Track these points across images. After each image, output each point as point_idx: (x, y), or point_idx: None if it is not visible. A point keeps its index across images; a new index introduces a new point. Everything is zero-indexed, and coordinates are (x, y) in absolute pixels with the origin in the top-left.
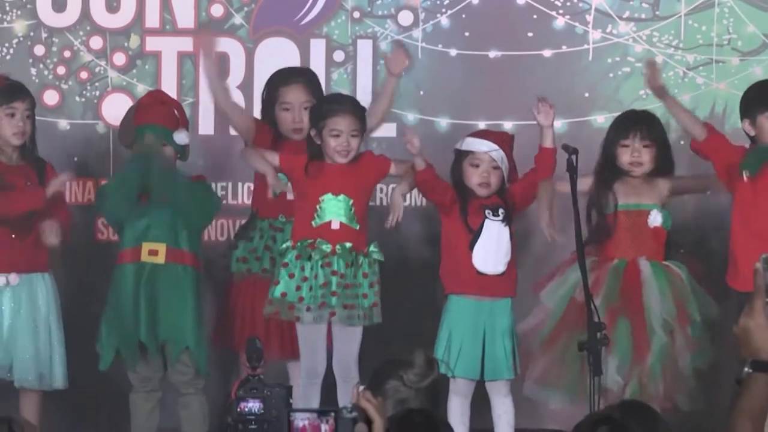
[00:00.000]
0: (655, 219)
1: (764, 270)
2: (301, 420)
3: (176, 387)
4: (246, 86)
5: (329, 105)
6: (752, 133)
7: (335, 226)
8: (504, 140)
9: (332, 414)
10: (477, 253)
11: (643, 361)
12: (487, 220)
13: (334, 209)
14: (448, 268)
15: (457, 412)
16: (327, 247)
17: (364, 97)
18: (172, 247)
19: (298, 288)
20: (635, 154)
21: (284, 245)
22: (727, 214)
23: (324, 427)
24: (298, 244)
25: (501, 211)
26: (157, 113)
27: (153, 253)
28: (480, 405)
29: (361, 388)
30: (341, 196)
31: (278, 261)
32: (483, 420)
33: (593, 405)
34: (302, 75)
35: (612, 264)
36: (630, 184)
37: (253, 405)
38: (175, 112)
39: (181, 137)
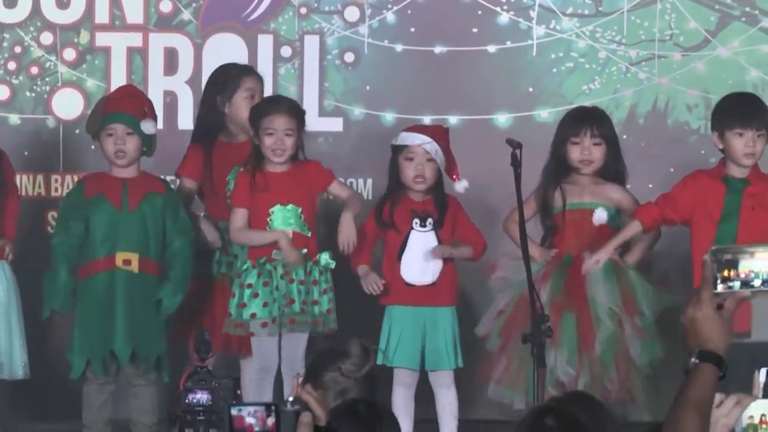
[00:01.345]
0: (600, 217)
1: (712, 262)
2: (244, 413)
3: (128, 378)
4: (194, 82)
5: (265, 105)
6: (720, 146)
7: (289, 236)
8: (439, 133)
9: (273, 408)
10: (404, 264)
11: (591, 350)
12: (413, 231)
13: (284, 219)
14: (385, 280)
15: (401, 402)
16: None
17: (310, 92)
18: (143, 257)
19: (266, 305)
20: (585, 152)
21: (244, 267)
22: None
23: (269, 420)
24: (257, 262)
25: (429, 221)
26: (126, 103)
27: (126, 263)
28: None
29: (300, 379)
30: (290, 206)
31: (236, 282)
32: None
33: (537, 397)
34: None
35: (559, 260)
36: (577, 183)
37: (201, 396)
38: (145, 108)
39: (147, 126)
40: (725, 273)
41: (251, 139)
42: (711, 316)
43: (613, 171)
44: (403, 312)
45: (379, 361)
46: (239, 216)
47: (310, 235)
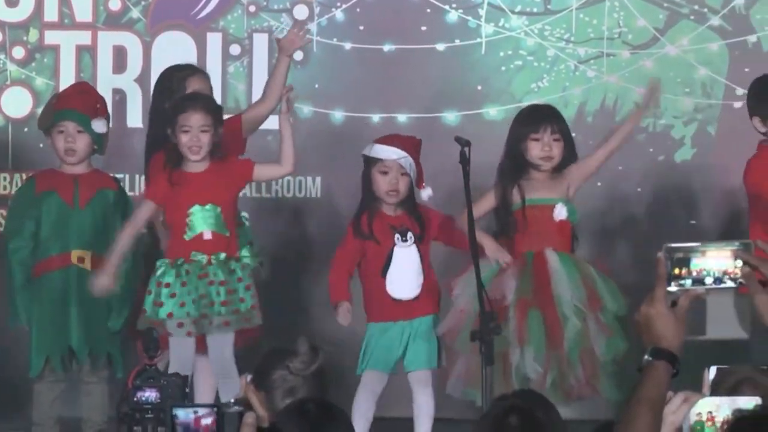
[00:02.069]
0: (560, 213)
1: (666, 259)
2: (186, 414)
3: (81, 376)
4: (143, 80)
5: (180, 103)
6: (763, 129)
7: (207, 236)
8: (412, 145)
9: (214, 409)
10: (390, 280)
11: (559, 348)
12: (396, 248)
13: (203, 220)
14: (366, 297)
15: (362, 405)
16: (203, 259)
17: (259, 90)
18: (97, 255)
19: (183, 305)
20: (546, 148)
21: (161, 267)
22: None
23: (206, 421)
24: (175, 263)
25: (410, 234)
26: (78, 100)
27: (80, 260)
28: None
29: (249, 377)
30: (209, 206)
31: (153, 279)
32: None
33: (485, 395)
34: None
35: (520, 257)
36: (535, 179)
37: (150, 394)
38: (97, 105)
39: (99, 125)
40: (677, 271)
41: (169, 137)
42: (665, 313)
43: (566, 167)
44: (386, 325)
45: (358, 372)
46: (145, 209)
47: (228, 234)
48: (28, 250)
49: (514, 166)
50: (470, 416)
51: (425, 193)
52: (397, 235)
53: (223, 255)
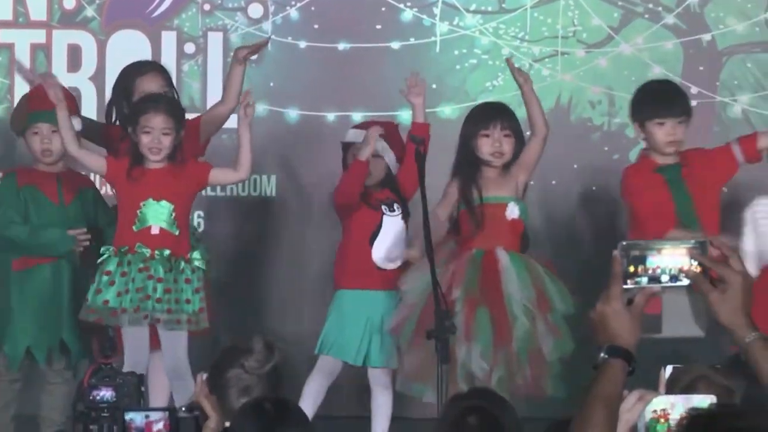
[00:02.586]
0: (513, 211)
1: (622, 257)
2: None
3: (44, 375)
4: (98, 78)
5: (143, 104)
6: (642, 136)
7: (155, 231)
8: (387, 130)
9: (167, 413)
10: (377, 249)
11: (507, 346)
12: (385, 216)
13: (154, 214)
14: (345, 265)
15: (313, 389)
16: (146, 252)
17: (214, 89)
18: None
19: (120, 294)
20: (496, 144)
21: (105, 253)
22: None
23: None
24: (120, 250)
25: (396, 205)
26: (51, 101)
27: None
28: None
29: (204, 377)
30: (162, 202)
31: (99, 268)
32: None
33: (441, 393)
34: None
35: (470, 254)
36: (487, 177)
37: (105, 393)
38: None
39: (73, 123)
40: (633, 269)
41: (130, 137)
42: (620, 311)
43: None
44: (355, 299)
45: (317, 351)
46: (95, 157)
47: (178, 233)
48: (26, 234)
49: (467, 163)
50: (427, 415)
51: None
52: (384, 206)
53: (167, 252)
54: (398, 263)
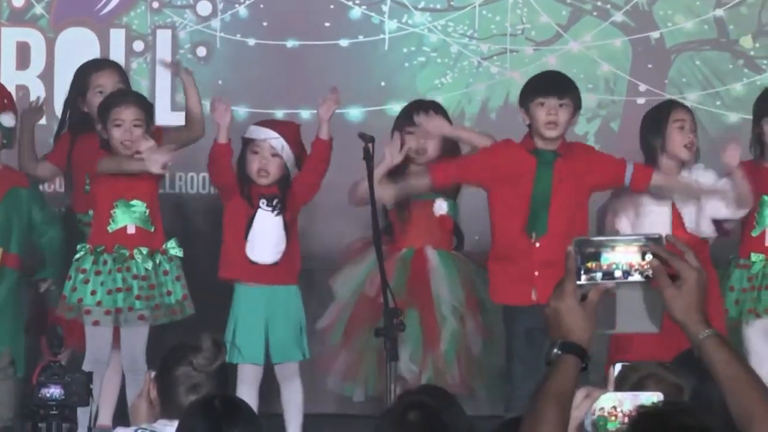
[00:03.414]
0: (440, 207)
1: (576, 253)
2: None
3: None
4: (47, 76)
5: (113, 98)
6: (527, 121)
7: (131, 230)
8: (288, 130)
9: None
10: (249, 242)
11: (436, 348)
12: (259, 210)
13: (127, 215)
14: (224, 255)
15: (246, 399)
16: (125, 252)
17: (163, 87)
18: (6, 252)
19: (93, 293)
20: (421, 141)
21: (80, 251)
22: None
23: None
24: (96, 249)
25: (275, 201)
26: None
27: None
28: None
29: (153, 374)
30: (134, 201)
31: (74, 265)
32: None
33: (389, 391)
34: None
35: (400, 253)
36: (414, 173)
37: (54, 390)
38: (4, 99)
39: (6, 119)
40: (588, 265)
41: (99, 133)
42: (574, 307)
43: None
44: (249, 295)
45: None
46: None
47: (153, 230)
48: None
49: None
50: (349, 411)
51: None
52: (262, 200)
53: (146, 249)
54: (274, 259)
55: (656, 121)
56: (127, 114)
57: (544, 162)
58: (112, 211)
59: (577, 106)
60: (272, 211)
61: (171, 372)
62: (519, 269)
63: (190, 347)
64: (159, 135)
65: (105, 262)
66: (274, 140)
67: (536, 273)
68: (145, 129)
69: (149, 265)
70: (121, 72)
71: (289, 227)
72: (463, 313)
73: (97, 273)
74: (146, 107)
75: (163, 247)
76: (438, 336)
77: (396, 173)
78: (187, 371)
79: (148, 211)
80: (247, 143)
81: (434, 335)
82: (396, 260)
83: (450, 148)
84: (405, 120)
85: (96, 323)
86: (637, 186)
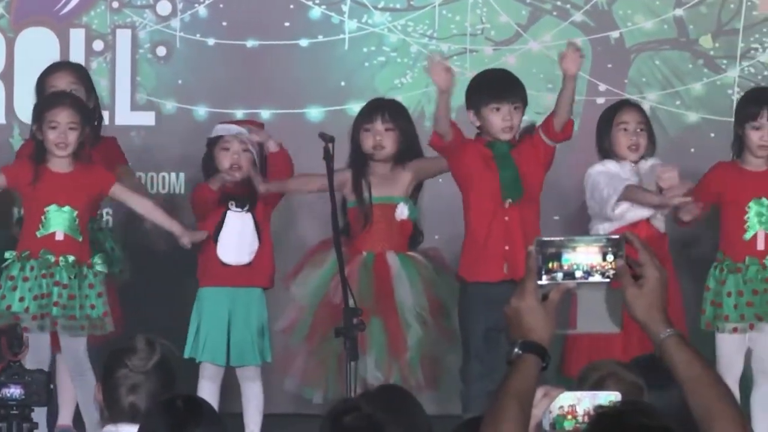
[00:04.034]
0: (402, 212)
1: (537, 253)
2: None
3: None
4: (7, 76)
5: (48, 99)
6: (477, 123)
7: (59, 237)
8: (254, 126)
9: None
10: (220, 244)
11: (401, 354)
12: (229, 212)
13: (58, 220)
14: (200, 261)
15: (205, 395)
16: (51, 258)
17: (122, 86)
18: None
19: (22, 299)
20: (377, 137)
21: (9, 258)
22: None
23: None
24: (22, 255)
25: (245, 201)
26: None
27: None
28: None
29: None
30: (66, 208)
31: (3, 273)
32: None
33: (349, 391)
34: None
35: (361, 257)
36: (376, 175)
37: (15, 390)
38: None
39: None
40: (548, 265)
41: (34, 135)
42: (535, 307)
43: (406, 159)
44: (214, 297)
45: (186, 354)
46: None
47: (81, 239)
48: None
49: (356, 158)
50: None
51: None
52: (231, 201)
53: (72, 258)
54: (245, 259)
55: (604, 123)
56: (63, 116)
57: (500, 152)
58: (43, 216)
59: (525, 104)
60: (242, 211)
61: (111, 376)
62: (491, 245)
63: (126, 349)
64: (110, 145)
65: (32, 268)
66: (244, 135)
67: (507, 247)
68: (80, 132)
69: (73, 274)
70: (78, 73)
71: (260, 228)
72: (426, 318)
73: (25, 279)
74: (82, 110)
75: (90, 260)
76: (403, 343)
77: (361, 171)
78: (125, 373)
79: (78, 220)
80: (215, 143)
81: (399, 342)
82: (358, 265)
83: (408, 144)
84: (364, 118)
85: (25, 330)
86: (551, 136)
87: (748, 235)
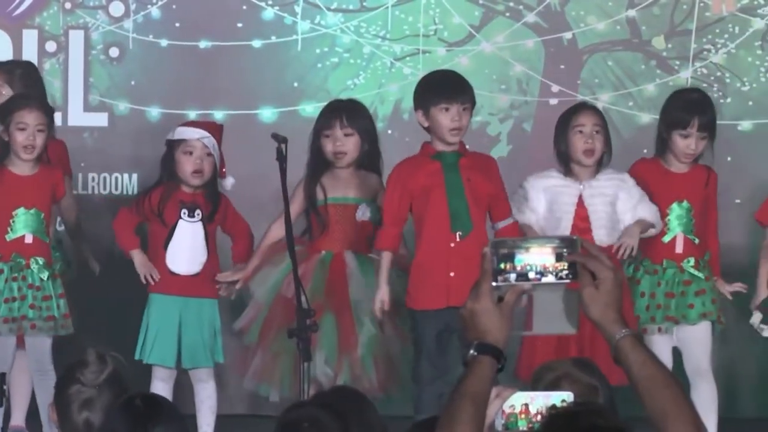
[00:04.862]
0: (364, 214)
1: (492, 255)
2: None
3: None
4: None
5: (17, 100)
6: (426, 124)
7: (28, 240)
8: (215, 129)
9: None
10: (169, 253)
11: (352, 352)
12: (181, 221)
13: (27, 223)
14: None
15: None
16: (21, 261)
17: (75, 87)
18: None
19: None
20: (338, 143)
21: None
22: None
23: None
24: None
25: (197, 212)
26: None
27: None
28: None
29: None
30: (33, 210)
31: None
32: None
33: (303, 392)
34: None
35: (319, 256)
36: (338, 177)
37: None
38: None
39: None
40: (503, 266)
41: (1, 142)
42: (490, 308)
43: (368, 162)
44: (164, 303)
45: (136, 356)
46: None
47: (48, 241)
48: None
49: (316, 162)
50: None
51: (228, 182)
52: (184, 210)
53: (42, 260)
54: (194, 270)
55: (560, 126)
56: (31, 118)
57: (449, 164)
58: (11, 220)
59: (474, 106)
60: (193, 221)
61: (63, 393)
62: (437, 273)
63: (77, 364)
64: (62, 148)
65: (2, 271)
66: (207, 139)
67: (452, 274)
68: (47, 134)
69: (45, 275)
70: (11, 73)
71: (210, 238)
72: (382, 319)
73: None
74: (49, 112)
75: (53, 261)
76: (354, 340)
77: (317, 175)
78: (78, 388)
79: (45, 222)
80: (177, 144)
81: (350, 339)
82: (315, 263)
83: (370, 150)
84: (323, 123)
85: (1, 334)
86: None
87: (667, 238)
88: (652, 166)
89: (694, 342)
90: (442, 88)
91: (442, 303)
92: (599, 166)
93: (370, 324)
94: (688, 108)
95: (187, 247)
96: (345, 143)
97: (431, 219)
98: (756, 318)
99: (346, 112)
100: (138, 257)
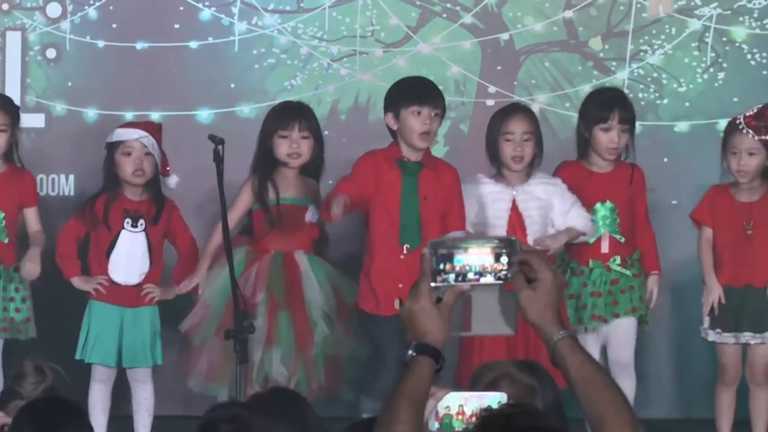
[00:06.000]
0: (312, 215)
1: (431, 255)
2: None
3: None
4: None
5: None
6: (395, 126)
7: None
8: (153, 128)
9: None
10: (112, 262)
11: (307, 351)
12: (123, 231)
13: None
14: (91, 275)
15: (97, 397)
16: None
17: (12, 89)
18: None
19: None
20: (294, 145)
21: None
22: None
23: None
24: None
25: (141, 222)
26: None
27: None
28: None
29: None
30: None
31: None
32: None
33: (239, 393)
34: None
35: (269, 256)
36: (287, 177)
37: None
38: None
39: None
40: (441, 266)
41: None
42: (429, 309)
43: (314, 166)
44: (104, 308)
45: (77, 356)
46: None
47: (7, 241)
48: None
49: (266, 162)
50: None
51: (172, 181)
52: (127, 219)
53: None
54: (136, 280)
55: (491, 131)
56: None
57: (409, 173)
58: None
59: (443, 115)
60: (136, 231)
61: (6, 405)
62: (387, 282)
63: (15, 377)
64: (31, 182)
65: None
66: (145, 138)
67: (400, 285)
68: (10, 134)
69: (6, 278)
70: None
71: (153, 248)
72: (333, 318)
73: None
74: (12, 111)
75: (17, 263)
76: (310, 340)
77: (267, 175)
78: (17, 402)
79: (5, 221)
80: (116, 146)
81: (306, 340)
82: (267, 263)
83: (319, 153)
84: (280, 124)
85: None
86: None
87: (592, 238)
88: (575, 169)
89: (618, 335)
90: (415, 92)
91: (393, 310)
92: (530, 168)
93: (324, 324)
94: (607, 102)
95: (129, 259)
96: (301, 145)
97: (382, 228)
98: (705, 322)
99: (304, 114)
100: (77, 282)
